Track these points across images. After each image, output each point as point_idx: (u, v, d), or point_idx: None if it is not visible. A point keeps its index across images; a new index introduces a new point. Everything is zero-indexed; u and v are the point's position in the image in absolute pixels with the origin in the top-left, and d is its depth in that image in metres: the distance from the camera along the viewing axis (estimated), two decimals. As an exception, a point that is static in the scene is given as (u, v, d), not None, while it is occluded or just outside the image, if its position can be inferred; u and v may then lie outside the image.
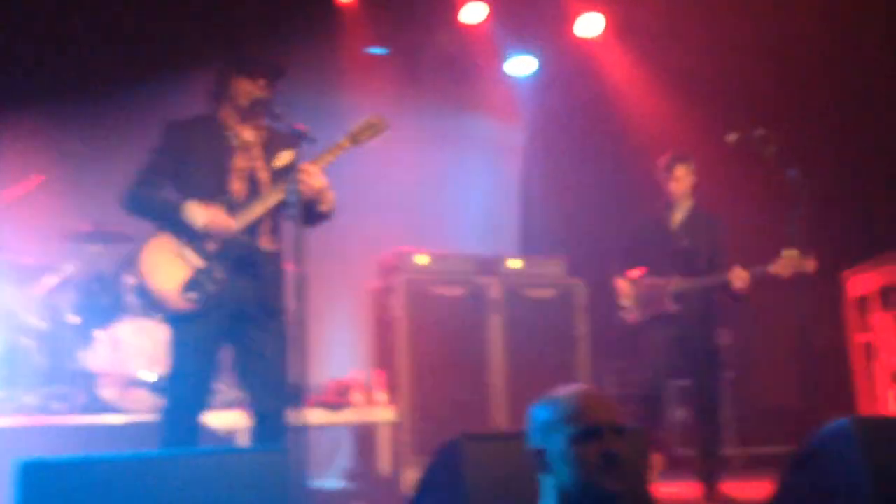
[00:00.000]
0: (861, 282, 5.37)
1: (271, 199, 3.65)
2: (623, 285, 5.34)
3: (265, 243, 3.72)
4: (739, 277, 4.87)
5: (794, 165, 4.55)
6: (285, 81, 3.87)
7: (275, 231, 3.77)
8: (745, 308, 5.03)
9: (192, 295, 3.55)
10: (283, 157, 3.71)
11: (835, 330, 5.54)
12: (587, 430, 2.31)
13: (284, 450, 2.95)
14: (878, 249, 5.12)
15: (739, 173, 5.38)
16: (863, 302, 5.36)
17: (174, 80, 6.19)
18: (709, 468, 5.00)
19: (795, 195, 4.57)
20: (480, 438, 2.98)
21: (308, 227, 3.78)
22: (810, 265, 4.77)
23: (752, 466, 5.93)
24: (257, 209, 3.65)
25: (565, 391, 2.44)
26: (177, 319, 3.63)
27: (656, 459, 5.54)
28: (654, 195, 5.41)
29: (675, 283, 5.10)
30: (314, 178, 3.60)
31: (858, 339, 5.41)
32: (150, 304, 3.67)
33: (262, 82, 3.73)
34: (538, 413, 2.45)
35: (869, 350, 5.32)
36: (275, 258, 3.76)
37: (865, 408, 5.29)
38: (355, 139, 3.74)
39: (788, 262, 4.74)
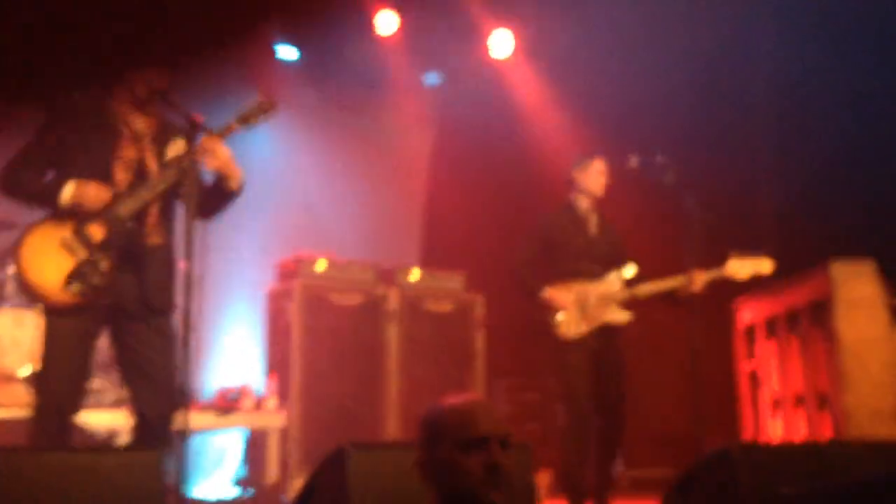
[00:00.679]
0: (750, 310, 5.51)
1: (161, 184, 3.51)
2: (561, 294, 4.83)
3: (152, 236, 3.58)
4: (699, 280, 4.72)
5: (690, 193, 4.65)
6: (185, 72, 3.77)
7: (164, 224, 3.64)
8: (634, 329, 5.01)
9: (76, 287, 3.39)
10: (176, 146, 3.59)
11: (724, 357, 5.67)
12: (472, 439, 2.28)
13: (159, 451, 2.84)
14: (767, 279, 5.25)
15: (638, 198, 5.45)
16: (751, 331, 5.50)
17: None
18: (604, 486, 4.87)
19: (691, 222, 4.65)
20: (366, 448, 2.93)
21: (219, 211, 3.68)
22: (766, 266, 4.77)
23: (637, 488, 6.01)
24: (145, 195, 3.50)
25: (453, 399, 2.41)
26: (53, 313, 3.45)
27: (545, 476, 5.58)
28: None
29: (625, 290, 4.86)
30: (219, 149, 3.50)
31: (745, 367, 5.55)
32: (31, 297, 3.50)
33: (157, 67, 3.60)
34: (426, 420, 2.42)
35: (754, 378, 5.46)
36: (162, 252, 3.62)
37: (750, 434, 5.43)
38: (245, 120, 3.62)
39: (745, 263, 4.74)
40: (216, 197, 3.62)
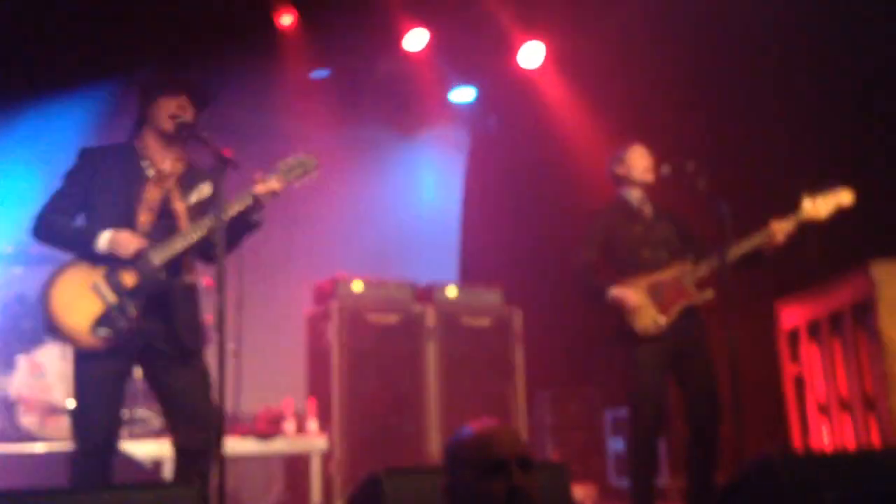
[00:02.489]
0: (792, 313, 5.42)
1: (195, 233, 3.54)
2: (627, 291, 4.57)
3: (184, 279, 3.61)
4: (781, 230, 4.41)
5: (723, 199, 4.58)
6: (215, 105, 3.80)
7: (192, 264, 3.67)
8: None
9: (104, 331, 3.42)
10: (204, 190, 3.62)
11: (767, 362, 5.58)
12: (492, 464, 2.30)
13: (200, 486, 2.86)
14: (808, 281, 5.17)
15: (671, 204, 5.39)
16: (794, 334, 5.42)
17: (104, 102, 6.14)
18: (708, 499, 4.51)
19: (725, 228, 4.57)
20: (402, 473, 2.92)
21: (238, 244, 3.70)
22: (846, 197, 4.47)
23: (685, 497, 5.93)
24: (178, 244, 3.53)
25: (473, 425, 2.44)
26: (83, 356, 3.48)
27: (589, 489, 5.53)
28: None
29: (700, 267, 4.54)
30: (270, 181, 3.56)
31: (790, 370, 5.46)
32: (59, 338, 3.52)
33: (183, 99, 3.63)
34: (447, 447, 2.45)
35: (799, 383, 5.37)
36: (190, 291, 3.65)
37: (798, 440, 5.34)
38: (284, 178, 3.63)
39: (821, 200, 4.44)
40: (242, 227, 3.64)
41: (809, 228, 4.59)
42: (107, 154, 3.66)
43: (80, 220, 3.62)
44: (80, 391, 3.49)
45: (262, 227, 3.70)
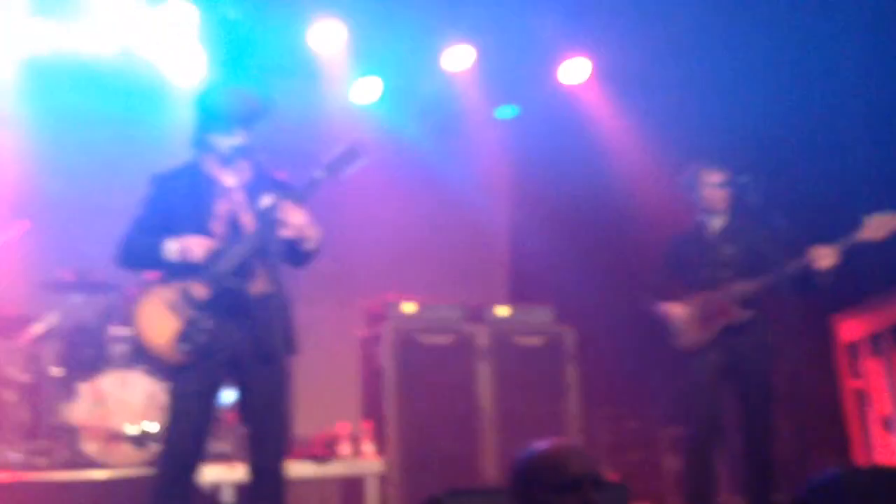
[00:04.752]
0: (851, 327, 5.34)
1: (253, 239, 3.60)
2: (673, 307, 4.72)
3: (259, 286, 3.65)
4: (823, 255, 4.33)
5: (779, 211, 4.53)
6: (265, 124, 3.85)
7: (269, 272, 3.69)
8: None
9: (185, 347, 3.52)
10: (265, 200, 3.67)
11: (826, 376, 5.49)
12: (566, 482, 2.30)
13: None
14: (867, 294, 5.08)
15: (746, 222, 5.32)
16: (853, 348, 5.33)
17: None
18: None
19: (779, 241, 4.52)
20: (463, 494, 2.93)
21: (304, 264, 3.75)
22: None
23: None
24: (240, 250, 3.60)
25: (544, 444, 2.44)
26: (173, 372, 3.62)
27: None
28: (645, 237, 5.31)
29: (740, 286, 4.55)
30: (292, 215, 3.56)
31: (850, 385, 5.36)
32: (149, 358, 3.70)
33: (237, 132, 3.71)
34: (518, 465, 2.45)
35: (861, 397, 5.28)
36: (270, 301, 3.66)
37: (860, 456, 5.24)
38: (332, 169, 3.63)
39: (879, 223, 4.38)
40: (296, 254, 3.68)
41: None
42: (176, 177, 3.76)
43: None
44: (171, 404, 3.60)
45: (315, 257, 3.73)
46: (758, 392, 4.55)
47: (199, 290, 3.57)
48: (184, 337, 3.52)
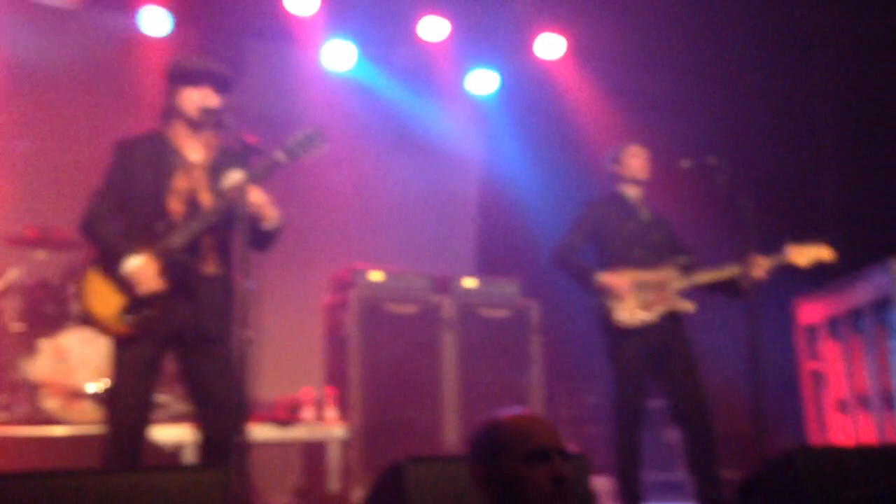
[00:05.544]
0: (810, 310, 5.43)
1: (211, 215, 3.57)
2: (616, 279, 4.67)
3: (208, 267, 3.64)
4: (760, 266, 4.50)
5: (743, 193, 4.59)
6: (235, 92, 3.82)
7: (219, 254, 3.69)
8: (690, 327, 4.88)
9: (129, 318, 3.51)
10: (232, 177, 3.65)
11: (785, 357, 5.59)
12: (536, 452, 2.30)
13: (225, 469, 2.90)
14: (826, 278, 5.17)
15: (690, 198, 5.40)
16: (812, 330, 5.42)
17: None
18: (714, 493, 4.57)
19: (745, 222, 4.59)
20: (425, 461, 2.95)
21: (265, 246, 3.73)
22: (825, 253, 4.56)
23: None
24: (195, 227, 3.57)
25: (509, 413, 2.44)
26: (119, 342, 3.59)
27: (604, 483, 5.54)
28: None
29: (683, 278, 4.66)
30: (252, 193, 3.54)
31: (808, 367, 5.46)
32: (93, 326, 3.65)
33: (207, 90, 3.67)
34: (483, 434, 2.43)
35: (818, 378, 5.38)
36: (219, 282, 3.68)
37: (815, 436, 5.34)
38: (292, 153, 3.62)
39: (804, 250, 4.56)
40: (257, 235, 3.65)
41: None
42: (139, 145, 3.71)
43: (117, 228, 3.67)
44: (115, 375, 3.57)
45: (276, 239, 3.70)
46: (688, 375, 4.67)
47: (150, 264, 3.54)
48: (130, 309, 3.51)
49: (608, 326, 4.69)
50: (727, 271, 4.64)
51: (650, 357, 4.66)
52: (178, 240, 3.55)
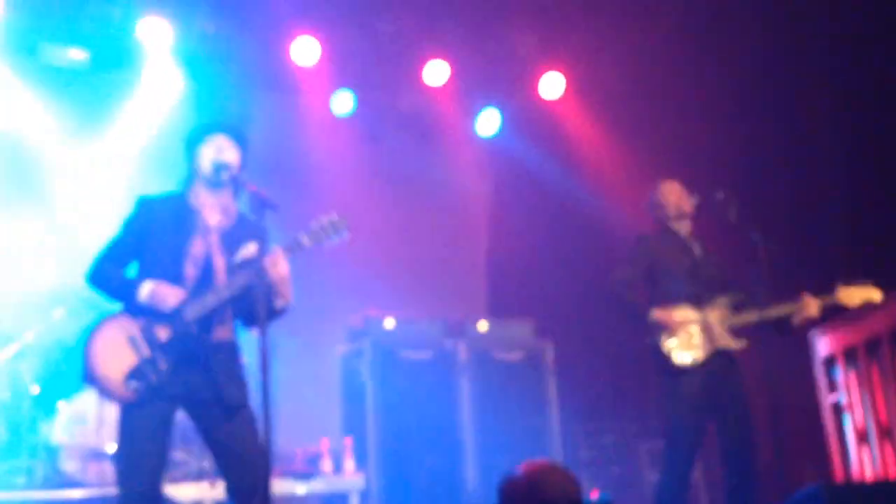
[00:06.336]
0: (828, 341, 5.40)
1: (226, 291, 3.58)
2: (671, 316, 4.58)
3: (219, 334, 3.65)
4: (811, 305, 4.46)
5: (755, 227, 4.59)
6: (248, 148, 3.84)
7: (229, 321, 3.70)
8: None
9: (134, 384, 3.47)
10: (248, 250, 3.66)
11: (803, 389, 5.55)
12: None
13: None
14: (841, 309, 5.15)
15: (701, 234, 5.39)
16: (830, 361, 5.39)
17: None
18: None
19: (757, 256, 4.58)
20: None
21: (254, 326, 3.68)
22: (875, 294, 4.51)
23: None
24: (210, 300, 3.57)
25: (522, 468, 2.44)
26: (122, 408, 3.53)
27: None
28: (621, 248, 5.29)
29: (735, 316, 4.57)
30: (281, 264, 3.55)
31: (826, 398, 5.42)
32: (95, 386, 3.52)
33: (220, 140, 3.71)
34: (499, 490, 2.46)
35: (838, 410, 5.34)
36: (227, 348, 3.68)
37: (838, 469, 5.29)
38: (316, 238, 3.64)
39: (854, 291, 4.49)
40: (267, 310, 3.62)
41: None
42: (161, 204, 3.72)
43: (132, 269, 3.68)
44: (124, 438, 3.52)
45: (281, 317, 3.70)
46: (742, 415, 4.57)
47: (162, 332, 3.53)
48: (135, 374, 3.48)
49: (663, 364, 4.60)
50: (778, 310, 4.56)
51: (706, 395, 4.55)
52: (192, 312, 3.55)
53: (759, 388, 5.06)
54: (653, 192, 4.93)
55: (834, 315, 5.28)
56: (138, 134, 6.92)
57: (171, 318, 3.53)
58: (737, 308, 4.63)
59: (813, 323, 5.22)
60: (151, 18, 6.40)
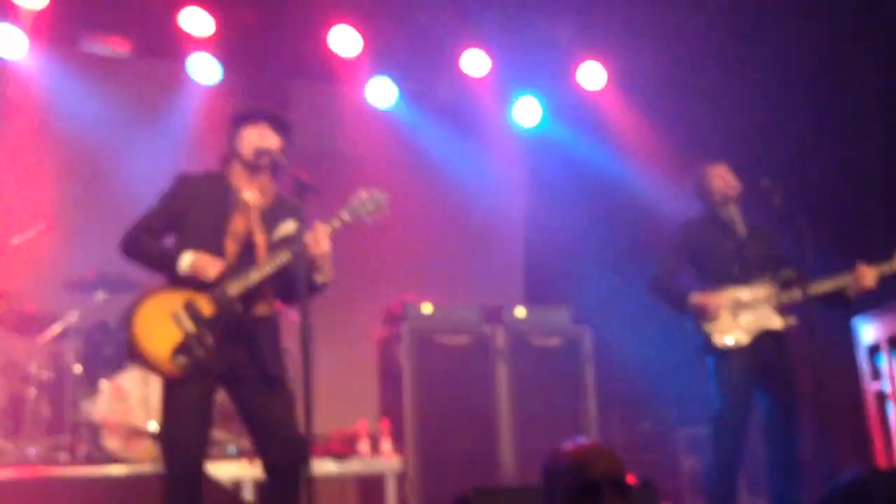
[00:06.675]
0: (871, 329, 5.33)
1: (269, 267, 3.60)
2: (711, 299, 4.58)
3: (261, 310, 3.68)
4: (867, 275, 4.41)
5: (799, 214, 4.54)
6: (290, 136, 3.87)
7: (270, 297, 3.73)
8: None
9: (181, 360, 3.48)
10: (287, 227, 3.69)
11: (847, 377, 5.48)
12: (587, 486, 2.30)
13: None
14: (886, 296, 5.08)
15: (747, 221, 5.34)
16: (874, 349, 5.32)
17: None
18: None
19: (802, 242, 4.53)
20: (490, 492, 2.94)
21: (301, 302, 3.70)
22: None
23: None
24: (254, 276, 3.60)
25: (567, 445, 2.44)
26: (170, 381, 3.57)
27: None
28: (659, 237, 5.26)
29: (784, 293, 4.55)
30: (323, 240, 3.57)
31: (872, 387, 5.35)
32: (139, 363, 3.56)
33: (264, 127, 3.74)
34: (544, 466, 2.46)
35: (882, 398, 5.27)
36: (269, 322, 3.71)
37: (882, 457, 5.22)
38: (356, 214, 3.67)
39: None
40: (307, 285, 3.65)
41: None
42: (201, 182, 3.77)
43: (168, 242, 3.71)
44: (169, 415, 3.56)
45: (321, 294, 3.71)
46: (787, 396, 4.54)
47: (206, 307, 3.56)
48: (182, 349, 3.50)
49: (708, 348, 4.58)
50: (834, 283, 4.51)
51: (752, 377, 4.53)
52: (235, 289, 3.58)
53: (802, 373, 4.98)
54: (696, 175, 4.90)
55: (879, 303, 5.22)
56: (180, 123, 6.97)
57: (215, 293, 3.56)
58: (786, 284, 4.58)
59: (858, 308, 5.15)
60: (193, 8, 6.47)
